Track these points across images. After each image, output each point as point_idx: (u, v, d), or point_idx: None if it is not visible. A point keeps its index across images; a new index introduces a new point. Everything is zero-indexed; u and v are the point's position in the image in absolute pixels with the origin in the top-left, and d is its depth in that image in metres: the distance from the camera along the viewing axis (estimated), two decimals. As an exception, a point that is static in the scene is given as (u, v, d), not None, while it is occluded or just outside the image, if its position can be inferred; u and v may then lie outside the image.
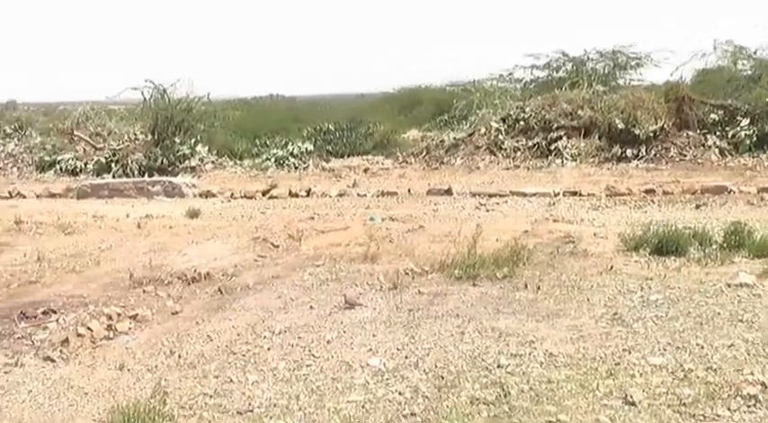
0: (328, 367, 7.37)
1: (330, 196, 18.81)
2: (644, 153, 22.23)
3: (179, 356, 7.86)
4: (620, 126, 22.80)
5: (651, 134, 22.37)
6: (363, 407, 6.47)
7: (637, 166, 21.65)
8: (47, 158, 27.03)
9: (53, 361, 7.88)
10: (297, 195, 19.11)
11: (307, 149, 26.19)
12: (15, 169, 27.25)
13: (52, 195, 21.02)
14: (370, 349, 7.78)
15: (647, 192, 17.54)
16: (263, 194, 19.39)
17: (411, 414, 6.29)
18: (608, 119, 23.27)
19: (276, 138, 27.48)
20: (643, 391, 6.45)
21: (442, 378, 6.96)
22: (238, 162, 26.03)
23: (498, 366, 7.16)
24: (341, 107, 36.98)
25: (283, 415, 6.39)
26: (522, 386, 6.70)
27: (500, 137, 24.29)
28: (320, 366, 7.40)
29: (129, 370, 7.57)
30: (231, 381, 7.16)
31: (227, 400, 6.72)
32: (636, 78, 30.29)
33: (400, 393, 6.69)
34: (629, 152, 22.36)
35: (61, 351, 8.09)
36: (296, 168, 24.77)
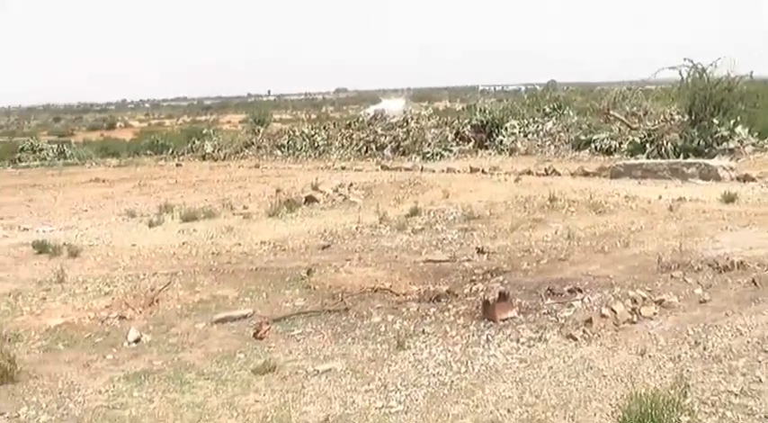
0: None
1: None
2: None
3: (704, 348, 7.44)
4: None
5: None
6: None
7: None
8: (582, 137, 27.53)
9: (575, 340, 7.88)
10: None
11: None
12: (552, 147, 28.08)
13: (585, 174, 21.29)
14: None
15: None
16: (809, 180, 17.94)
17: None
18: None
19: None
20: None
21: None
22: (780, 145, 24.45)
23: None
24: None
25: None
26: None
27: None
28: None
29: (650, 357, 7.32)
30: (760, 381, 6.61)
31: (755, 402, 6.20)
32: None
33: None
34: None
35: (584, 331, 8.06)
36: None
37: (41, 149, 39.59)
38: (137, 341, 8.56)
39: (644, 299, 8.83)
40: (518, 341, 7.98)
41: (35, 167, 34.36)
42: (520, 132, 29.97)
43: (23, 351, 8.36)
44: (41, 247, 13.69)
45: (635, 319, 8.35)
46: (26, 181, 27.35)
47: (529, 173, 22.09)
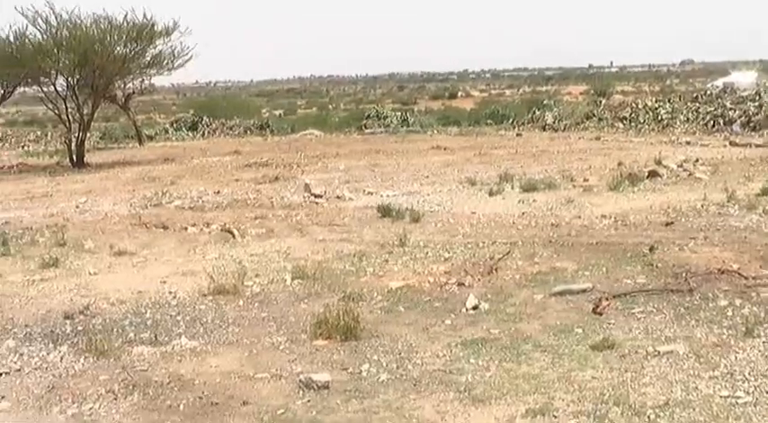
0: None
1: None
2: None
3: None
4: None
5: None
6: None
7: None
8: None
9: None
10: None
11: None
12: None
13: None
14: None
15: None
16: None
17: None
18: None
19: None
20: None
21: None
22: None
23: None
24: None
25: None
26: None
27: None
28: None
29: None
30: None
31: None
32: None
33: None
34: None
35: None
36: None
37: (386, 117, 41.34)
38: (474, 308, 8.65)
39: None
40: None
41: (379, 134, 35.85)
42: None
43: (366, 310, 8.70)
44: (385, 211, 14.24)
45: None
46: (371, 146, 28.49)
47: None
